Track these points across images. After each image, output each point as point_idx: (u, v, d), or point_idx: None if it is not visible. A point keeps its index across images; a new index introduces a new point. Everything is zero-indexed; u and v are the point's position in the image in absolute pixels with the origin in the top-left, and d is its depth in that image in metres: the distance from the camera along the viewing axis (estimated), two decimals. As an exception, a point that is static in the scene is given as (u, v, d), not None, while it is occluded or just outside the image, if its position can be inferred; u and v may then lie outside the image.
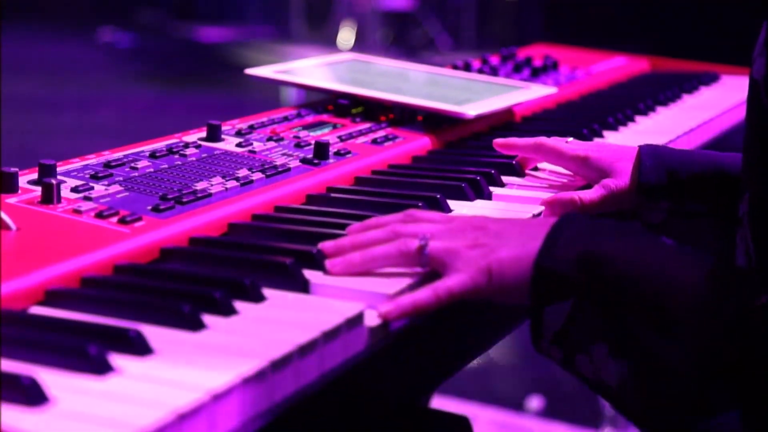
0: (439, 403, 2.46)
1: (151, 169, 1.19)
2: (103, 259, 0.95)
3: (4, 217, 0.97)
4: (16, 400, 0.71)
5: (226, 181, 1.17)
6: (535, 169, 1.37)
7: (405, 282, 0.95)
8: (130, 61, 8.46)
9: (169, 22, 9.64)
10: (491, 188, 1.27)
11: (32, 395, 0.71)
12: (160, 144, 1.28)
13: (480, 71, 1.89)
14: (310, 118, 1.48)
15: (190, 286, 0.91)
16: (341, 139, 1.39)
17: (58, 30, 9.57)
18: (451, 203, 1.19)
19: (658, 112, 1.78)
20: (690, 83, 1.99)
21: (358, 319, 0.88)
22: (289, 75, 1.63)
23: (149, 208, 1.06)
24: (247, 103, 6.15)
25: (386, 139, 1.40)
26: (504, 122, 1.61)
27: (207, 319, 0.85)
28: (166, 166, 1.21)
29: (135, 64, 8.31)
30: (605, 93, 1.93)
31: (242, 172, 1.20)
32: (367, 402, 0.94)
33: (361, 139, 1.40)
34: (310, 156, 1.29)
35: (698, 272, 0.90)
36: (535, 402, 2.73)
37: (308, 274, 0.95)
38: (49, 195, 1.05)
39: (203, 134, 1.33)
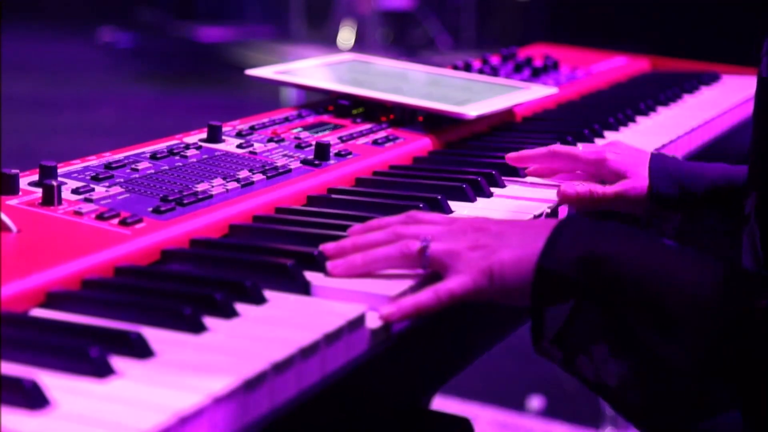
0: (440, 403, 2.47)
1: (152, 171, 1.18)
2: (104, 261, 0.95)
3: (5, 218, 0.97)
4: (17, 403, 0.71)
5: (227, 182, 1.17)
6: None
7: (406, 284, 0.95)
8: (130, 61, 8.46)
9: (168, 22, 9.63)
10: (492, 189, 1.27)
11: (33, 398, 0.71)
12: (160, 145, 1.28)
13: (480, 71, 1.89)
14: (310, 119, 1.47)
15: (191, 287, 0.91)
16: (342, 139, 1.39)
17: (58, 30, 9.57)
18: (452, 204, 1.19)
19: (658, 112, 1.78)
20: (690, 83, 1.99)
21: (359, 320, 0.88)
22: (290, 76, 1.63)
23: (150, 209, 1.06)
24: (247, 103, 6.15)
25: (387, 139, 1.40)
26: (504, 122, 1.61)
27: (208, 321, 0.85)
28: (166, 167, 1.21)
29: (135, 64, 8.31)
30: (606, 93, 1.93)
31: (243, 174, 1.20)
32: (367, 404, 0.94)
33: (362, 140, 1.40)
34: (310, 157, 1.28)
35: (699, 273, 0.90)
36: (535, 402, 2.73)
37: (309, 275, 0.95)
38: (50, 197, 1.05)
39: (204, 135, 1.33)
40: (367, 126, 1.46)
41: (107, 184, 1.13)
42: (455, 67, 1.88)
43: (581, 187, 1.25)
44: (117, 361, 0.77)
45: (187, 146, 1.28)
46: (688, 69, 2.17)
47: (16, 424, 0.69)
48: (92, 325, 0.83)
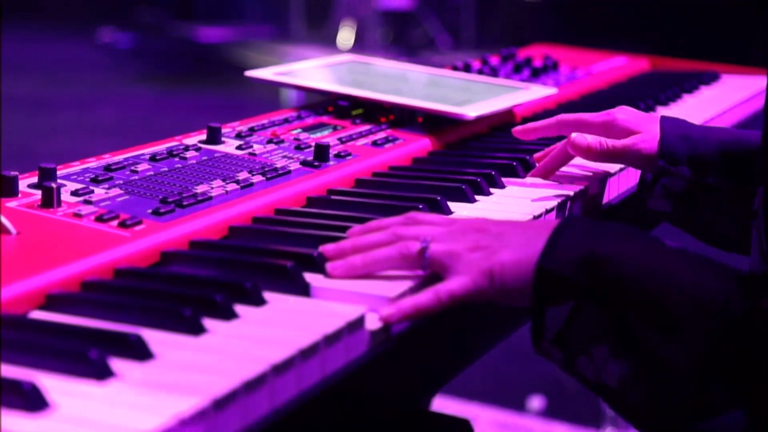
0: (441, 403, 2.47)
1: (152, 172, 1.18)
2: (103, 263, 0.95)
3: (4, 221, 0.97)
4: (17, 405, 0.71)
5: (227, 183, 1.17)
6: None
7: (406, 285, 0.95)
8: (130, 61, 8.46)
9: (168, 22, 9.63)
10: (491, 189, 1.27)
11: (33, 401, 0.71)
12: (160, 147, 1.28)
13: (480, 72, 1.89)
14: (310, 120, 1.47)
15: (191, 289, 0.91)
16: (341, 141, 1.38)
17: (58, 30, 9.57)
18: (452, 205, 1.19)
19: (658, 112, 1.78)
20: (690, 83, 1.98)
21: (359, 322, 0.88)
22: (289, 77, 1.63)
23: (149, 211, 1.06)
24: (246, 103, 6.15)
25: (386, 140, 1.40)
26: (504, 123, 1.61)
27: (208, 322, 0.85)
28: (166, 169, 1.20)
29: (135, 64, 8.32)
30: (605, 93, 1.92)
31: (242, 175, 1.20)
32: (367, 405, 0.94)
33: (362, 141, 1.40)
34: (310, 158, 1.28)
35: (700, 273, 0.90)
36: (536, 402, 2.73)
37: (309, 277, 0.95)
38: (49, 199, 1.05)
39: (203, 137, 1.33)
40: (367, 127, 1.46)
41: (107, 186, 1.13)
42: (455, 68, 1.88)
43: (592, 138, 1.25)
44: (116, 363, 0.77)
45: (187, 148, 1.28)
46: (688, 69, 2.17)
47: (16, 426, 0.69)
48: (92, 327, 0.83)
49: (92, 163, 1.19)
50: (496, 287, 0.94)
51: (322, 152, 1.28)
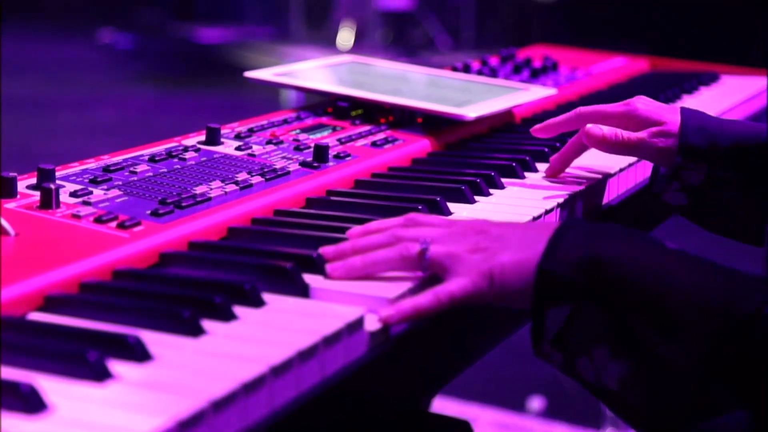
0: (440, 404, 2.47)
1: (150, 173, 1.18)
2: (102, 264, 0.95)
3: (3, 222, 0.97)
4: (15, 407, 0.71)
5: (226, 184, 1.16)
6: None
7: (406, 286, 0.95)
8: (130, 61, 8.46)
9: (168, 23, 9.64)
10: (491, 190, 1.26)
11: (31, 403, 0.71)
12: (159, 148, 1.28)
13: (479, 72, 1.89)
14: (309, 121, 1.47)
15: (190, 291, 0.90)
16: (341, 141, 1.38)
17: (58, 30, 9.57)
18: (451, 206, 1.19)
19: (658, 113, 1.78)
20: (690, 83, 1.98)
21: (358, 323, 0.88)
22: (289, 78, 1.63)
23: (148, 212, 1.06)
24: (246, 104, 6.15)
25: (386, 141, 1.40)
26: (504, 124, 1.61)
27: (207, 324, 0.85)
28: (165, 170, 1.20)
29: (135, 64, 8.32)
30: (605, 93, 1.92)
31: (241, 176, 1.20)
32: (367, 406, 0.94)
33: (361, 142, 1.39)
34: (309, 159, 1.28)
35: (700, 275, 0.90)
36: (536, 402, 2.73)
37: (308, 278, 0.95)
38: (48, 200, 1.05)
39: (202, 137, 1.33)
40: (366, 128, 1.46)
41: (105, 187, 1.13)
42: (454, 69, 1.88)
43: (608, 129, 1.24)
44: (115, 365, 0.77)
45: (186, 149, 1.28)
46: (688, 69, 2.17)
47: (15, 428, 0.69)
48: (90, 329, 0.83)
49: (91, 164, 1.19)
50: (495, 289, 0.94)
51: (321, 153, 1.28)
